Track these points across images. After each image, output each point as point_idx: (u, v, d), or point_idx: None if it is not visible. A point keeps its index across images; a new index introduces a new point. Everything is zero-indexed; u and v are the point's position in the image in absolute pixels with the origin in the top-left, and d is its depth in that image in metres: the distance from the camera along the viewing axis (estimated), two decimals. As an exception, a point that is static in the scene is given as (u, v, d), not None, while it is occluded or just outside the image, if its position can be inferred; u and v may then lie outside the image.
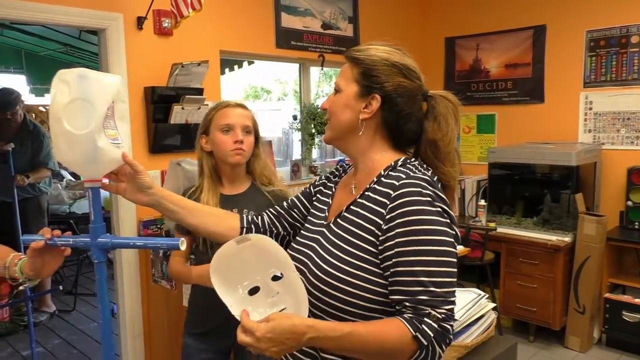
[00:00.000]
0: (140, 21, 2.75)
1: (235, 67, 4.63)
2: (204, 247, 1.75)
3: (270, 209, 1.39)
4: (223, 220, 1.33)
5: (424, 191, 1.03)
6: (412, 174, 1.07)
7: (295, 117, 4.00)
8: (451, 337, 0.99)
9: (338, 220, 1.14)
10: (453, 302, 1.01)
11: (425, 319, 0.97)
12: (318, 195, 1.31)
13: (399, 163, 1.12)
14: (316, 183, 1.35)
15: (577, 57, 3.84)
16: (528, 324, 3.63)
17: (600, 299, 3.46)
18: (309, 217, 1.28)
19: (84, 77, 1.09)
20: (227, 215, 1.36)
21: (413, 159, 1.15)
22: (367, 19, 4.10)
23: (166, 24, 2.83)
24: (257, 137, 1.82)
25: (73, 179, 5.46)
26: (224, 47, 3.19)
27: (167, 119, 2.82)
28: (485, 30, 4.28)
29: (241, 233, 1.30)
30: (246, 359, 1.78)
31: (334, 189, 1.27)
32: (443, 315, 0.98)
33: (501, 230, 3.66)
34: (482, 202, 3.88)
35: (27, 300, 3.34)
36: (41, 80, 6.19)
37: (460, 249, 2.89)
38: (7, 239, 3.19)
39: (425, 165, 1.13)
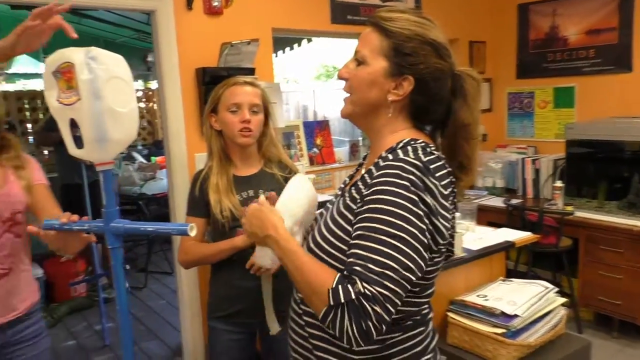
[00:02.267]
0: (189, 1, 2.72)
1: (295, 45, 4.54)
2: (223, 227, 1.71)
3: None
4: None
5: (403, 174, 0.96)
6: (402, 156, 1.00)
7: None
8: (375, 322, 0.89)
9: (344, 195, 1.10)
10: (390, 290, 0.91)
11: (348, 284, 0.91)
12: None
13: (400, 144, 1.05)
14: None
15: (674, 19, 3.38)
16: (611, 318, 3.31)
17: (697, 292, 3.07)
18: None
19: (114, 57, 1.12)
20: None
21: (420, 140, 1.05)
22: (431, -12, 3.83)
23: (216, 3, 2.79)
24: (267, 115, 1.77)
25: (144, 161, 5.68)
26: (276, 25, 3.10)
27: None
28: (564, -6, 3.88)
29: None
30: (273, 338, 1.74)
31: (360, 167, 1.24)
32: (369, 293, 0.89)
33: (579, 214, 3.34)
34: (559, 184, 3.57)
35: (96, 278, 3.51)
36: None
37: (528, 235, 2.63)
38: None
39: (429, 149, 1.03)
